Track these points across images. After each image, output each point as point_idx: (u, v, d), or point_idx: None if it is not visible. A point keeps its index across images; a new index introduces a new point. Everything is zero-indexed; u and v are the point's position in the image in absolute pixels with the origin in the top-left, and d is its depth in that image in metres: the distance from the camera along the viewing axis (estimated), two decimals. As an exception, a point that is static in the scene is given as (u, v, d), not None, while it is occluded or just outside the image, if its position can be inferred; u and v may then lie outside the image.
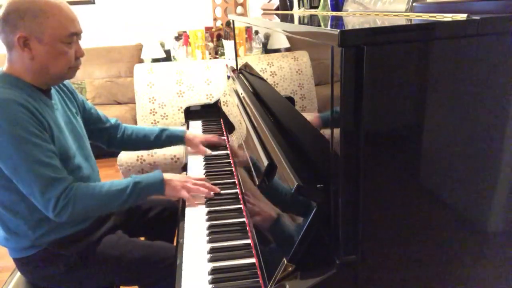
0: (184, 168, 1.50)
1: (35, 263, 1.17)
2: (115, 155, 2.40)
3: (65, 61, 1.09)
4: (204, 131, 1.84)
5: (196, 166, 1.46)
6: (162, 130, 1.54)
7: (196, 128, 1.90)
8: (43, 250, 1.15)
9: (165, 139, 1.53)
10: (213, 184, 1.27)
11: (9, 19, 1.02)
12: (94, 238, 1.21)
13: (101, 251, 1.20)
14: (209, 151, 1.56)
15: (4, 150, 1.01)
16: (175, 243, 1.17)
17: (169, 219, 1.47)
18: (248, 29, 2.90)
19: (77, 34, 1.11)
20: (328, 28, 0.69)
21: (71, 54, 1.10)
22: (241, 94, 1.53)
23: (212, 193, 1.22)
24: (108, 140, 1.47)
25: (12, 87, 1.05)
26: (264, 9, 2.33)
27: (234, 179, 1.33)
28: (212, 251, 0.98)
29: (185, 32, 3.25)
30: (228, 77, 2.49)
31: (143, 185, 1.16)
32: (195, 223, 1.11)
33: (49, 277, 1.19)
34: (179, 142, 1.58)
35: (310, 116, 0.90)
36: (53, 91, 1.20)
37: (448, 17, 0.64)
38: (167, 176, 1.21)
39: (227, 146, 1.61)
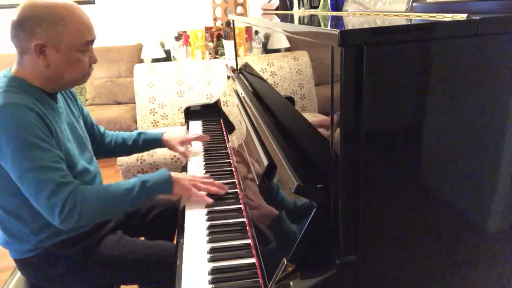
0: (184, 168, 1.50)
1: (36, 265, 1.17)
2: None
3: (80, 69, 1.10)
4: (204, 131, 1.84)
5: (196, 166, 1.46)
6: (140, 134, 1.52)
7: (196, 128, 1.90)
8: (44, 251, 1.15)
9: (142, 143, 1.52)
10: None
11: (26, 25, 1.00)
12: (95, 239, 1.22)
13: (101, 252, 1.21)
14: (191, 155, 1.55)
15: (11, 154, 0.98)
16: (175, 243, 1.17)
17: (169, 219, 1.47)
18: (248, 29, 2.90)
19: (92, 41, 1.11)
20: (328, 28, 0.69)
21: (86, 62, 1.10)
22: (241, 94, 1.53)
23: (222, 191, 1.22)
24: (96, 147, 1.46)
25: (20, 90, 1.03)
26: (264, 9, 2.33)
27: (234, 179, 1.33)
28: (212, 251, 0.98)
29: (185, 32, 3.25)
30: (228, 77, 2.49)
31: (151, 184, 1.14)
32: (195, 223, 1.11)
33: (50, 277, 1.19)
34: (157, 145, 1.56)
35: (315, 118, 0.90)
36: (58, 94, 1.19)
37: (448, 17, 0.64)
38: (174, 175, 1.20)
39: (227, 146, 1.61)
